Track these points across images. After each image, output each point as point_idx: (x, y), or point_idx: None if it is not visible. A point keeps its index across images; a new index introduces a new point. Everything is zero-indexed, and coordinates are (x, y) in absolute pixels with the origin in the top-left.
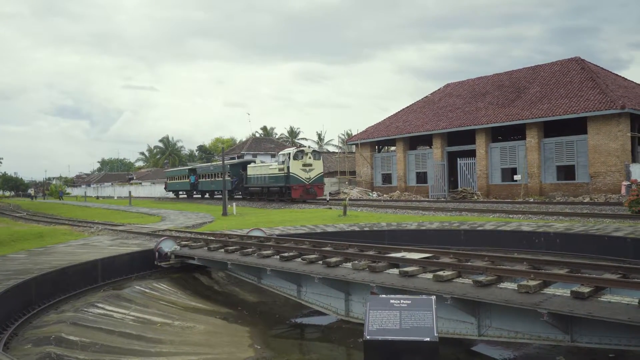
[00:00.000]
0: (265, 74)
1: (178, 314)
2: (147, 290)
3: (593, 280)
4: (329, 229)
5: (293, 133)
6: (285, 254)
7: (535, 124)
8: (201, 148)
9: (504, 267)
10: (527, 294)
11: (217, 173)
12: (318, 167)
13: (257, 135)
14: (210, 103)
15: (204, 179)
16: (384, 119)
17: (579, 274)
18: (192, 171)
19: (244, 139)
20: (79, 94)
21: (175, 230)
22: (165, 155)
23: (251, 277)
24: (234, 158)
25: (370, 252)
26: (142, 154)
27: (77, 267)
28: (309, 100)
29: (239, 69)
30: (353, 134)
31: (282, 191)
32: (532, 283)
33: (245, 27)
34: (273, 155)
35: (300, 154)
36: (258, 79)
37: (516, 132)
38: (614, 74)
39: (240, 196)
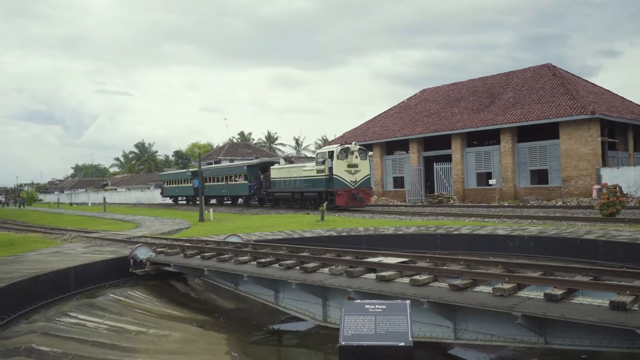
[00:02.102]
0: (240, 79)
1: (153, 322)
2: (121, 298)
3: (565, 282)
4: (307, 235)
5: (270, 138)
6: (263, 260)
7: (509, 129)
8: (177, 153)
9: (479, 270)
10: (501, 297)
11: (230, 176)
12: (365, 169)
13: (234, 140)
14: (186, 108)
15: (211, 183)
16: (361, 124)
17: (552, 277)
18: (197, 174)
19: (220, 144)
20: (50, 98)
21: (151, 237)
22: (141, 160)
23: (228, 283)
24: (210, 163)
25: (348, 257)
26: (117, 159)
27: (49, 275)
28: (286, 106)
29: (213, 73)
30: (330, 139)
31: (321, 197)
32: (506, 286)
33: (219, 31)
34: (250, 160)
35: (345, 152)
36: (233, 83)
37: (491, 137)
38: (584, 80)
39: (257, 203)
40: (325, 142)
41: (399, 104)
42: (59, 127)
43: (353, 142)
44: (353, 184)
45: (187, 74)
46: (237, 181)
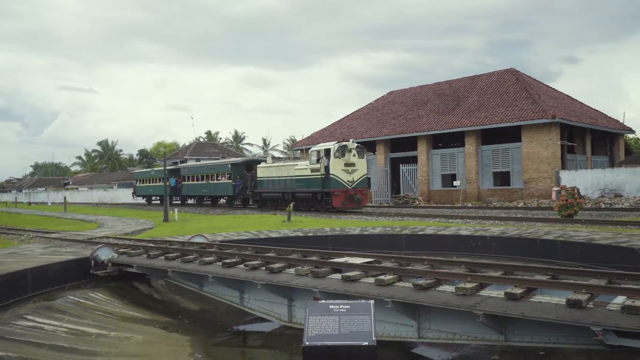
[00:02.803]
0: (210, 78)
1: (115, 324)
2: (81, 300)
3: (525, 281)
4: (273, 235)
5: (238, 138)
6: (228, 261)
7: (474, 131)
8: (142, 152)
9: (442, 270)
10: (464, 296)
11: (212, 175)
12: (362, 168)
13: (201, 139)
14: (153, 106)
15: (190, 182)
16: (329, 125)
17: (512, 276)
18: (174, 172)
19: (187, 144)
20: (10, 94)
21: (113, 237)
22: (104, 159)
23: (192, 284)
24: (176, 163)
25: (314, 258)
26: (79, 158)
27: (4, 277)
28: (255, 105)
29: (182, 72)
30: (298, 140)
31: (316, 198)
32: (469, 285)
33: (189, 29)
34: (217, 160)
35: (342, 150)
36: (202, 82)
37: (456, 140)
38: (545, 85)
39: (240, 204)
40: (294, 142)
41: (366, 105)
42: (17, 124)
43: (350, 140)
44: (350, 184)
45: (155, 72)
46: (219, 180)
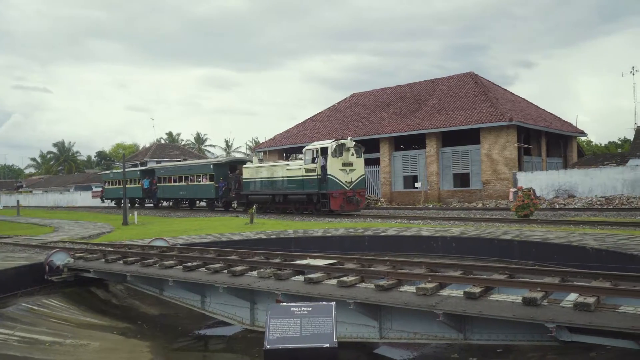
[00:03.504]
0: (171, 79)
1: (70, 331)
2: (35, 308)
3: (483, 280)
4: (235, 238)
5: (200, 139)
6: (189, 264)
7: (435, 134)
8: (100, 154)
9: (404, 271)
10: (424, 296)
11: (192, 176)
12: (360, 168)
13: (162, 141)
14: (112, 107)
15: (166, 184)
16: (292, 127)
17: (471, 276)
18: (148, 173)
19: (147, 145)
20: None
21: (70, 242)
22: (60, 161)
23: (152, 289)
24: (136, 165)
25: (276, 260)
26: (34, 160)
27: None
28: (217, 107)
29: (143, 72)
30: (261, 142)
31: (311, 200)
32: (429, 285)
33: (151, 29)
34: (178, 162)
35: (339, 148)
36: (164, 83)
37: (417, 142)
38: (502, 88)
39: (222, 207)
40: (257, 144)
41: (329, 107)
42: None
43: (349, 138)
44: (348, 185)
45: (115, 72)
46: (200, 182)
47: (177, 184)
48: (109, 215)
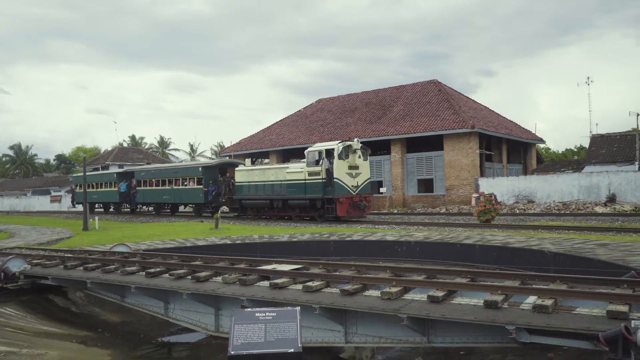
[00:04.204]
0: (134, 81)
1: (27, 340)
2: None
3: (446, 284)
4: (200, 243)
5: (164, 143)
6: (152, 270)
7: (399, 140)
8: (60, 157)
9: (369, 275)
10: (389, 300)
11: (178, 179)
12: (366, 171)
13: (125, 144)
14: (72, 109)
15: (148, 187)
16: (258, 132)
17: (435, 280)
18: (125, 176)
19: (109, 149)
20: None
21: (26, 248)
22: (17, 164)
23: (114, 295)
24: (97, 169)
25: (241, 265)
26: None
27: None
28: (182, 110)
29: (105, 74)
30: (226, 146)
31: (314, 206)
32: (393, 290)
33: (113, 30)
34: (141, 166)
35: (346, 150)
36: (126, 85)
37: (382, 147)
38: (465, 96)
39: (209, 213)
40: (222, 148)
41: (295, 112)
42: None
43: (355, 139)
44: (354, 189)
45: (76, 73)
46: (186, 185)
47: (160, 187)
48: (68, 220)
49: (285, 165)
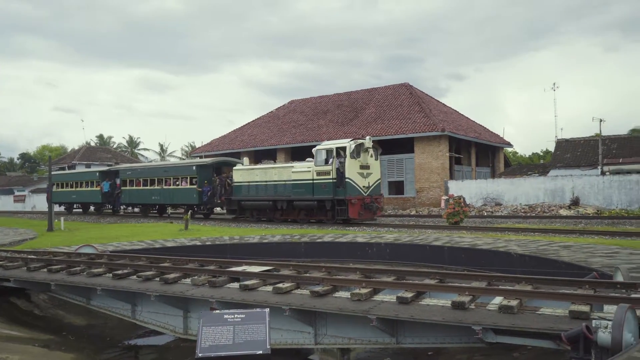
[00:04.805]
0: (104, 79)
1: None
2: None
3: (415, 286)
4: (169, 244)
5: (133, 143)
6: (119, 272)
7: None
8: (24, 156)
9: (339, 277)
10: (359, 302)
11: (169, 179)
12: (376, 171)
13: (92, 144)
14: (38, 107)
15: (133, 187)
16: (229, 132)
17: (404, 281)
18: (109, 175)
19: (76, 148)
20: None
21: None
22: None
23: (79, 298)
24: (64, 168)
25: (211, 267)
26: None
27: None
28: (152, 110)
29: (74, 71)
30: (198, 146)
31: (323, 207)
32: (363, 291)
33: (83, 27)
34: (109, 166)
35: (358, 148)
36: (96, 83)
37: None
38: (435, 100)
39: (201, 215)
40: (193, 148)
41: (267, 113)
42: None
43: (367, 137)
44: (365, 190)
45: (43, 70)
46: (178, 185)
47: (149, 187)
48: (32, 221)
49: (290, 164)
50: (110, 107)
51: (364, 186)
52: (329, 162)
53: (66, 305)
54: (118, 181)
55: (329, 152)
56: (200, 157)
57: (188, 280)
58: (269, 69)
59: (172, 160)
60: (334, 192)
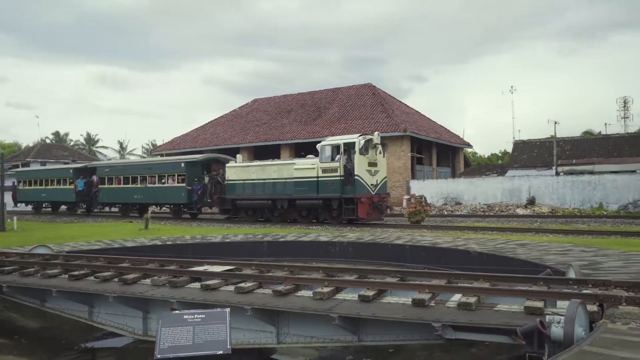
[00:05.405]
0: (61, 75)
1: None
2: None
3: (377, 284)
4: (128, 244)
5: (91, 140)
6: (76, 273)
7: None
8: None
9: (301, 276)
10: (321, 301)
11: (154, 176)
12: (383, 169)
13: (48, 141)
14: None
15: (115, 185)
16: (192, 130)
17: (366, 279)
18: (84, 172)
19: (31, 145)
20: None
21: None
22: None
23: (33, 300)
24: (17, 166)
25: (172, 267)
26: None
27: None
28: (111, 107)
29: (28, 65)
30: (158, 144)
31: (329, 206)
32: (325, 290)
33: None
34: (66, 164)
35: (367, 144)
36: (52, 79)
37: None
38: (398, 100)
39: (189, 215)
40: (154, 146)
41: (230, 112)
42: None
43: (375, 133)
44: (373, 189)
45: None
46: (164, 183)
47: (130, 185)
48: None
49: (291, 160)
50: (67, 103)
51: (372, 184)
52: (336, 159)
53: (19, 308)
54: (95, 179)
55: (336, 148)
56: (162, 155)
57: (148, 281)
58: (231, 68)
59: (133, 158)
60: (342, 190)
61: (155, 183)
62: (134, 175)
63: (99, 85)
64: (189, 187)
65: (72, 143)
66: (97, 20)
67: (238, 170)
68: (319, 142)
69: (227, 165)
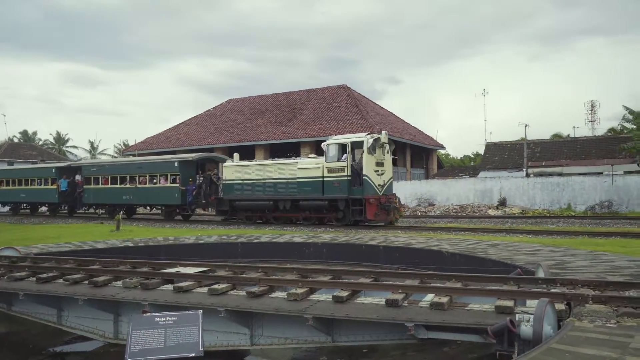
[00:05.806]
0: (28, 72)
1: None
2: None
3: (350, 285)
4: (99, 246)
5: (61, 140)
6: (44, 275)
7: (309, 142)
8: None
9: (276, 277)
10: (295, 302)
11: (145, 176)
12: (389, 169)
13: (15, 140)
14: None
15: (101, 185)
16: (165, 130)
17: (340, 280)
18: (68, 171)
19: None
20: None
21: None
22: None
23: None
24: None
25: (144, 269)
26: None
27: None
28: (81, 105)
29: None
30: (131, 144)
31: (334, 207)
32: (300, 291)
33: (7, 18)
34: (35, 163)
35: (375, 144)
36: (18, 76)
37: (292, 149)
38: (372, 102)
39: (180, 217)
40: (127, 146)
41: (204, 112)
42: None
43: (383, 132)
44: (380, 189)
45: None
46: (156, 183)
47: (119, 186)
48: None
49: (294, 160)
50: (35, 101)
51: (379, 184)
52: (343, 158)
53: None
54: (79, 178)
55: (342, 147)
56: (134, 155)
57: (119, 283)
58: (206, 67)
59: (104, 158)
60: (349, 191)
61: (146, 183)
62: (123, 175)
63: (67, 83)
64: (183, 188)
65: (40, 142)
66: (62, 16)
67: (236, 169)
68: (294, 143)
69: (224, 164)
